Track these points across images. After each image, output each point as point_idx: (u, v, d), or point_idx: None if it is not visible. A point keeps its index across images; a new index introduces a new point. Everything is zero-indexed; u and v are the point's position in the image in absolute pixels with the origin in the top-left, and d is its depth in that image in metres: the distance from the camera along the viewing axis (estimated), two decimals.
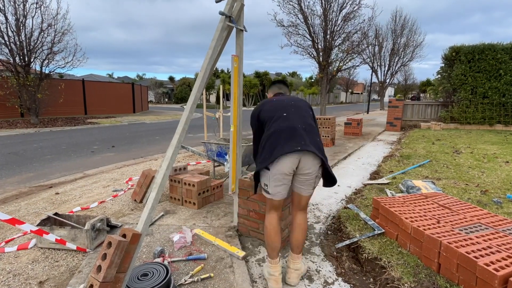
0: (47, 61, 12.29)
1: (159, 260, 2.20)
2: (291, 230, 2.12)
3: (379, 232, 2.55)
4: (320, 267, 2.27)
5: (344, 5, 11.81)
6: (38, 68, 12.38)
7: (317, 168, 1.96)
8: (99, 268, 1.49)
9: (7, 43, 11.24)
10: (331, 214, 3.27)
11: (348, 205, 3.28)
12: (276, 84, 2.41)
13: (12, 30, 11.29)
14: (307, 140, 1.90)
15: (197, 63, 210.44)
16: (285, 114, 1.99)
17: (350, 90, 52.95)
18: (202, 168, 5.15)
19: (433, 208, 2.64)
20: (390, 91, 52.89)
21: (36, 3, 11.61)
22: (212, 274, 2.07)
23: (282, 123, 1.95)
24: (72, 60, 12.93)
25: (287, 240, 2.56)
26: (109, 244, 1.52)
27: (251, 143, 4.13)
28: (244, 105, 32.17)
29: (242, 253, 2.31)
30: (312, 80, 46.81)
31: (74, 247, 2.35)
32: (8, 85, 12.16)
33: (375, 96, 55.76)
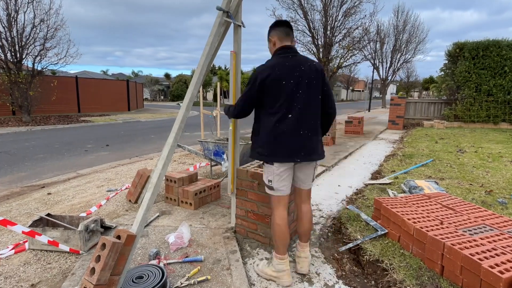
0: (39, 57, 12.12)
1: (154, 262, 2.15)
2: (298, 220, 2.14)
3: (382, 232, 2.49)
4: (320, 269, 2.21)
5: (345, 0, 11.72)
6: (30, 65, 12.20)
7: (314, 165, 2.02)
8: (92, 271, 1.46)
9: None
10: (332, 215, 3.21)
11: (348, 206, 3.23)
12: (283, 27, 1.95)
13: (4, 25, 11.10)
14: (308, 147, 1.89)
15: (160, 54, 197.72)
16: (290, 114, 1.82)
17: (351, 88, 52.91)
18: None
19: (436, 208, 2.60)
20: (392, 88, 52.69)
21: None
22: (209, 277, 2.02)
23: (288, 123, 1.83)
24: (65, 56, 12.78)
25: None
26: (103, 245, 1.49)
27: (250, 142, 4.08)
28: None
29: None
30: None
31: (67, 248, 2.29)
32: None
33: (376, 94, 55.47)
